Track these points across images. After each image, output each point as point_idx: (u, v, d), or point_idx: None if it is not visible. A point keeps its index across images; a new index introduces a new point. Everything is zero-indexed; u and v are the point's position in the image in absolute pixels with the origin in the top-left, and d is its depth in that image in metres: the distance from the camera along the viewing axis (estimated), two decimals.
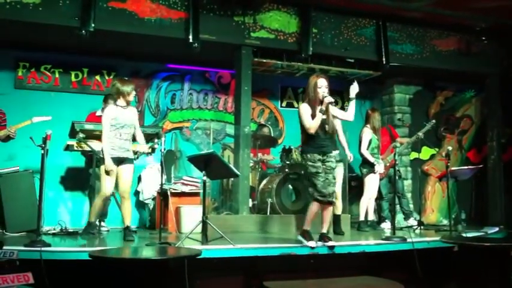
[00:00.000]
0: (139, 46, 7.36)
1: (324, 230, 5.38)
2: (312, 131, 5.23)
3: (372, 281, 4.83)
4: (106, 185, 5.62)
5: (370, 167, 7.09)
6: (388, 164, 7.49)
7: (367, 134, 7.18)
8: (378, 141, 7.23)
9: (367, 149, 7.11)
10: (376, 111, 7.40)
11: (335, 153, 5.46)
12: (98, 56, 7.68)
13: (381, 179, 7.45)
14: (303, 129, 5.33)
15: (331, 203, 5.34)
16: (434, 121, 7.74)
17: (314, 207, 5.28)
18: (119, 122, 5.62)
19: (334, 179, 5.34)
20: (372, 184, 7.12)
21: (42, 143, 5.08)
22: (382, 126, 7.73)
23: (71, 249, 4.77)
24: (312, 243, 5.17)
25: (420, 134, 7.40)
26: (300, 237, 5.31)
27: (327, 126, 5.27)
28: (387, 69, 7.87)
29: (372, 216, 7.25)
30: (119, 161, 5.60)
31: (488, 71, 8.64)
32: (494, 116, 8.78)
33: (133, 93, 5.77)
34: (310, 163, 5.26)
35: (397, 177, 7.37)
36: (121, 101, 5.69)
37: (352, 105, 5.47)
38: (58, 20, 6.18)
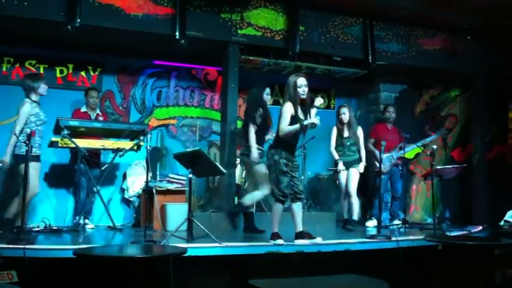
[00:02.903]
0: (125, 42, 7.33)
1: (301, 228, 5.41)
2: (282, 134, 5.28)
3: (358, 279, 4.84)
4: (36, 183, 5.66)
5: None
6: (393, 161, 7.53)
7: (333, 131, 7.16)
8: (342, 138, 7.09)
9: (334, 147, 7.11)
10: (344, 107, 7.25)
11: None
12: (83, 52, 7.59)
13: (379, 175, 7.49)
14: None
15: (300, 199, 5.40)
16: (445, 130, 7.83)
17: (278, 207, 5.35)
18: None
19: (301, 177, 5.37)
20: (342, 181, 7.04)
21: (26, 139, 5.04)
22: (378, 122, 7.84)
23: (56, 247, 4.73)
24: (281, 241, 5.25)
25: (434, 146, 7.15)
26: (271, 241, 5.33)
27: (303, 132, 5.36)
28: (373, 68, 7.91)
29: (354, 214, 7.00)
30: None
31: (474, 70, 8.68)
32: (479, 115, 8.85)
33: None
34: (284, 161, 5.28)
35: (395, 178, 7.59)
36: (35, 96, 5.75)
37: (312, 114, 5.43)
38: (43, 14, 6.11)
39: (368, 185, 8.08)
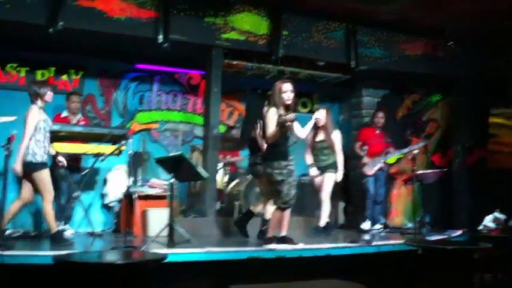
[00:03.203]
0: (108, 45, 7.28)
1: (285, 233, 5.43)
2: (270, 141, 5.28)
3: (338, 284, 4.86)
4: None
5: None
6: (378, 166, 7.57)
7: (309, 136, 6.93)
8: (316, 142, 6.92)
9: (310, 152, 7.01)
10: (322, 109, 6.97)
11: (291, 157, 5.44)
12: (65, 55, 7.50)
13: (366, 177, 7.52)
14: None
15: (290, 205, 5.37)
16: (429, 140, 7.92)
17: (277, 214, 5.35)
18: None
19: (295, 181, 5.35)
20: (318, 186, 6.91)
21: (6, 143, 4.99)
22: (366, 126, 7.93)
23: (34, 253, 4.68)
24: (274, 246, 5.28)
25: (415, 151, 7.26)
26: (265, 246, 5.36)
27: (289, 132, 5.36)
28: (356, 73, 7.95)
29: (322, 220, 6.75)
30: None
31: (456, 75, 8.74)
32: (460, 120, 8.92)
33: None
34: (277, 171, 5.26)
35: (379, 183, 7.71)
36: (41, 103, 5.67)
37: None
38: (25, 17, 6.05)
39: (352, 189, 8.15)
